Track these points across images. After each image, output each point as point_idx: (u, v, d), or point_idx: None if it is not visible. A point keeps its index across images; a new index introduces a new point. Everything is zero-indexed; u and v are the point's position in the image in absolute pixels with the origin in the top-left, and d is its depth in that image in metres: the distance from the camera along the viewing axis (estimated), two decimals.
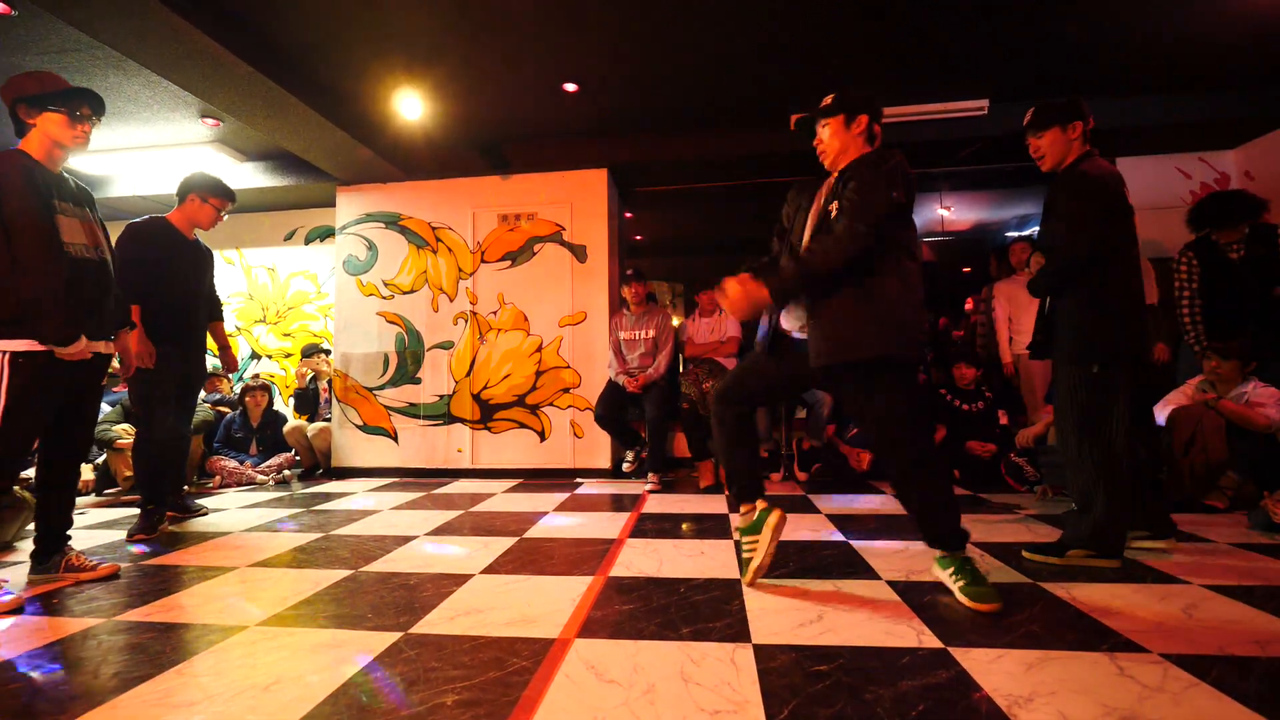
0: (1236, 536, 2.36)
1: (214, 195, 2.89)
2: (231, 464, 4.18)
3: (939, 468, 1.76)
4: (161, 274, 2.75)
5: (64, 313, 1.94)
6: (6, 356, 1.87)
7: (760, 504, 1.86)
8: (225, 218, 3.01)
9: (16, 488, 2.63)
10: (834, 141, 1.81)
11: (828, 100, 1.83)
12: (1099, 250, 1.89)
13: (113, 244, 2.24)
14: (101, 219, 2.20)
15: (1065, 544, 2.03)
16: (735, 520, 1.91)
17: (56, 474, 2.12)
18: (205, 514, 3.12)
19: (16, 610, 1.77)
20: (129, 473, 3.64)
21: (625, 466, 3.97)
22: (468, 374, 4.52)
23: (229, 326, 5.44)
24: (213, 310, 3.15)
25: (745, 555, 1.87)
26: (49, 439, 2.09)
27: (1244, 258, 3.13)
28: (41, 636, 1.58)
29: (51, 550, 2.07)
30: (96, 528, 2.90)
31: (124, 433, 3.71)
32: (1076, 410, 1.96)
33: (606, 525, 2.74)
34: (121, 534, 2.73)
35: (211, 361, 5.28)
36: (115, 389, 4.31)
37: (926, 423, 3.78)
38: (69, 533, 2.14)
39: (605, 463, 4.31)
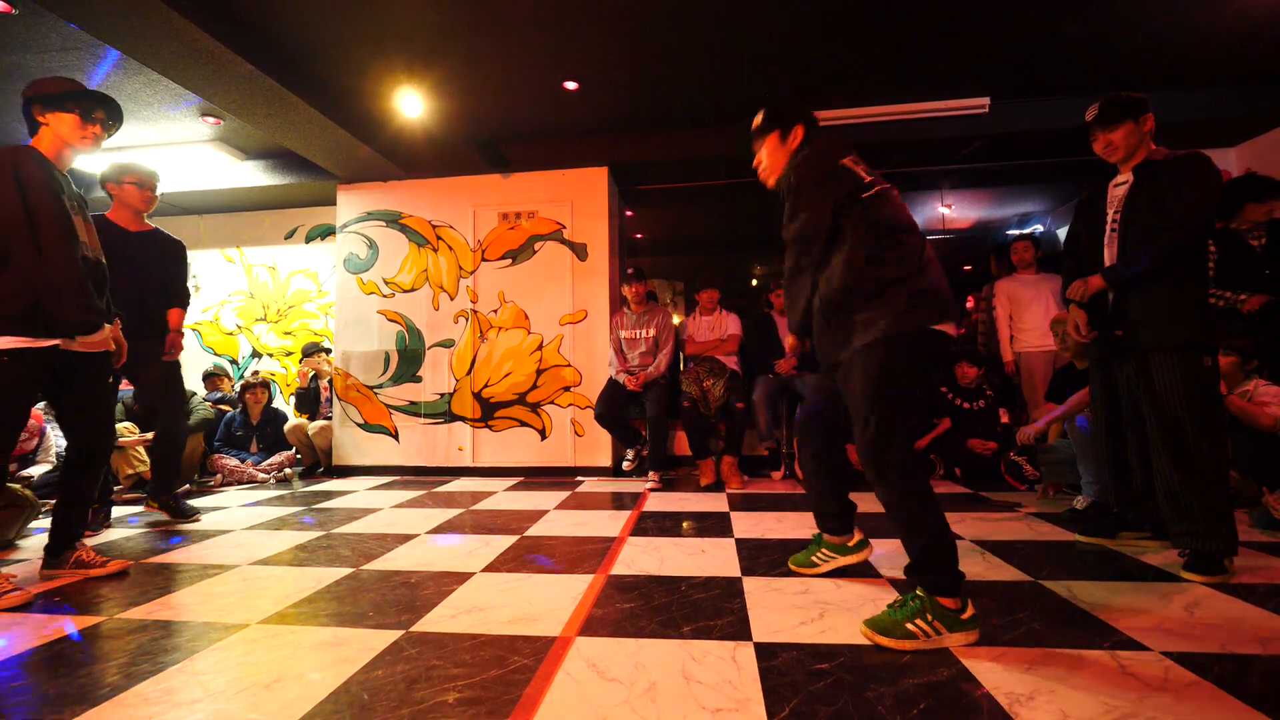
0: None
1: (124, 175, 2.90)
2: (232, 462, 4.18)
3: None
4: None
5: (85, 300, 1.99)
6: None
7: (858, 534, 1.99)
8: (158, 194, 2.96)
9: (17, 486, 2.64)
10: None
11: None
12: (1205, 238, 1.94)
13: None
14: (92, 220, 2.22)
15: (1120, 527, 2.22)
16: (829, 539, 1.99)
17: (74, 475, 2.14)
18: (198, 520, 2.98)
19: (24, 606, 1.78)
20: (130, 470, 3.64)
21: (626, 465, 3.97)
22: (468, 372, 4.52)
23: (229, 325, 5.45)
24: (173, 300, 3.01)
25: (814, 560, 1.98)
26: (68, 441, 2.13)
27: (1266, 245, 3.05)
28: (46, 633, 1.58)
29: (64, 547, 2.09)
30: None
31: (126, 431, 3.71)
32: (1191, 401, 1.87)
33: (607, 523, 2.74)
34: (127, 531, 2.74)
35: (214, 361, 5.34)
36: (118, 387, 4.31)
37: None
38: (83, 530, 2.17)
39: (606, 461, 4.31)
